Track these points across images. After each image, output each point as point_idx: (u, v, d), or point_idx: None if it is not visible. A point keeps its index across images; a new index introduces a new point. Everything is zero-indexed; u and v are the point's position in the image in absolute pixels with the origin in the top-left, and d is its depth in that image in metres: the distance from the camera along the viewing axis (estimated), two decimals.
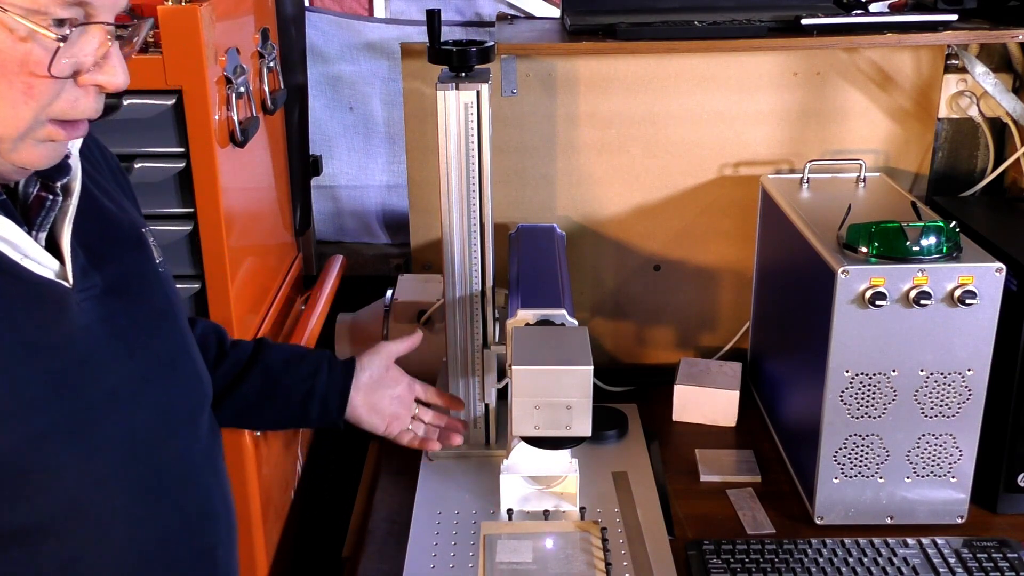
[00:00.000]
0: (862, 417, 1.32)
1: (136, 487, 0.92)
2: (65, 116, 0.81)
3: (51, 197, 0.87)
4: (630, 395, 1.73)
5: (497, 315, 1.49)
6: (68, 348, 0.86)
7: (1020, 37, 1.57)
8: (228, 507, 1.06)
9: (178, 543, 0.96)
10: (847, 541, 1.31)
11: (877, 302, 1.25)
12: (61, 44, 0.77)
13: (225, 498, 1.06)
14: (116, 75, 0.82)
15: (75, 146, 0.92)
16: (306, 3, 1.85)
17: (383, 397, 1.33)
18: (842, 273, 1.25)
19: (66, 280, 0.86)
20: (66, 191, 0.89)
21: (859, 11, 1.69)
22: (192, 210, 1.27)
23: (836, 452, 1.34)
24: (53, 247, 0.88)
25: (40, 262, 0.85)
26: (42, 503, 0.84)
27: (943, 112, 1.77)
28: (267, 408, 1.25)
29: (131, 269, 0.96)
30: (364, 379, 1.30)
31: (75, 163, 0.91)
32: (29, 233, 0.85)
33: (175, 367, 0.99)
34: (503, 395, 1.40)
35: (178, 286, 1.30)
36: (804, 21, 1.58)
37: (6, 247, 0.83)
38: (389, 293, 1.75)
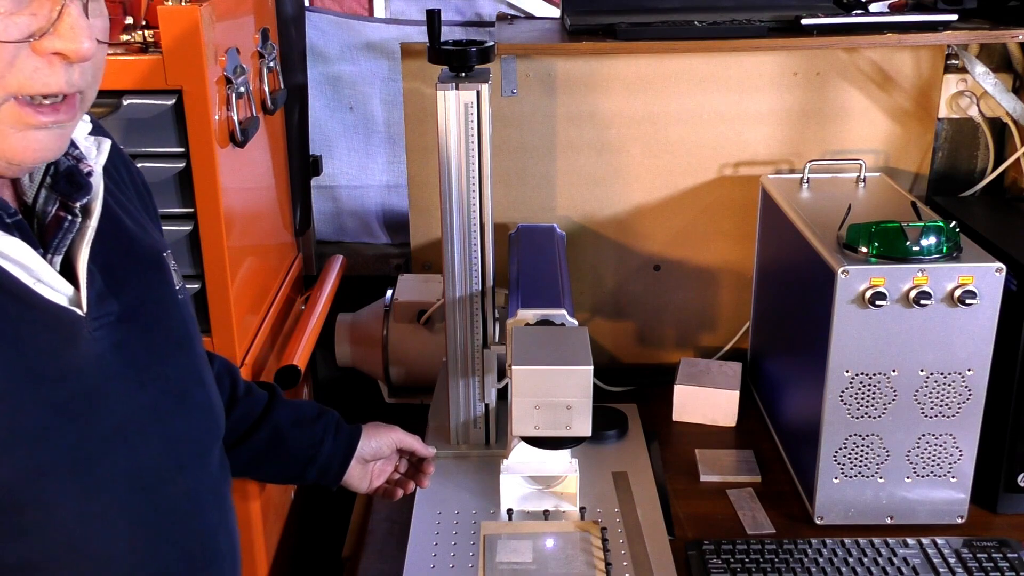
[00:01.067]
0: (862, 417, 1.32)
1: (139, 526, 0.88)
2: (26, 90, 0.74)
3: (69, 218, 0.83)
4: (630, 395, 1.73)
5: (497, 315, 1.49)
6: (75, 378, 0.82)
7: (1020, 37, 1.57)
8: (233, 546, 1.02)
9: None
10: (847, 541, 1.31)
11: (877, 302, 1.25)
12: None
13: (231, 536, 1.02)
14: (77, 40, 0.73)
15: (99, 164, 0.88)
16: (306, 3, 1.85)
17: (376, 465, 1.34)
18: (842, 273, 1.25)
19: (79, 307, 0.83)
20: (86, 211, 0.85)
21: (859, 11, 1.69)
22: (192, 210, 1.27)
23: (836, 452, 1.34)
24: (68, 270, 0.83)
25: (53, 287, 0.81)
26: (39, 540, 0.81)
27: (943, 112, 1.77)
28: (268, 466, 1.24)
29: (148, 294, 0.92)
30: (366, 452, 1.30)
31: (96, 182, 0.87)
32: (44, 256, 0.81)
33: (187, 399, 0.95)
34: (503, 395, 1.40)
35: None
36: (804, 21, 1.58)
37: (18, 270, 0.78)
38: (389, 293, 1.75)
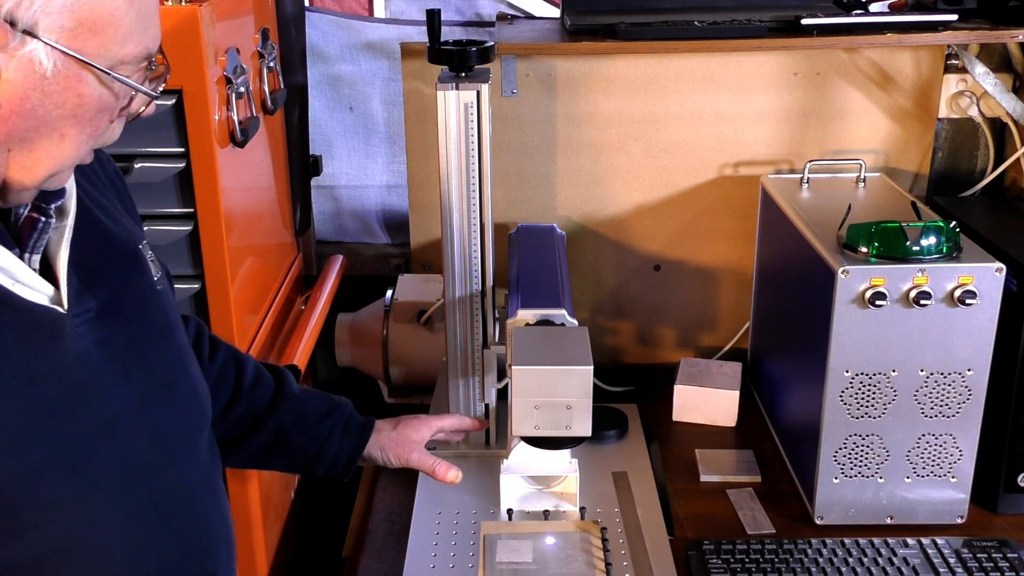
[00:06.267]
0: (862, 417, 1.32)
1: (134, 518, 0.88)
2: (102, 145, 0.84)
3: (43, 219, 0.84)
4: (630, 395, 1.73)
5: (497, 315, 1.49)
6: (63, 377, 0.82)
7: (1020, 37, 1.57)
8: (228, 530, 1.03)
9: (178, 572, 0.93)
10: (847, 541, 1.31)
11: (877, 302, 1.25)
12: (153, 94, 0.82)
13: (224, 521, 1.02)
14: (150, 105, 0.86)
15: None
16: (306, 3, 1.85)
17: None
18: (842, 273, 1.25)
19: (60, 305, 0.83)
20: (61, 212, 0.86)
21: (859, 11, 1.69)
22: (192, 210, 1.27)
23: (836, 452, 1.34)
24: (46, 270, 0.84)
25: (32, 287, 0.81)
26: (37, 539, 0.81)
27: (943, 112, 1.77)
28: (273, 461, 1.24)
29: (126, 288, 0.93)
30: (374, 456, 1.27)
31: (70, 183, 0.87)
32: (20, 256, 0.81)
33: (172, 388, 0.95)
34: (503, 395, 1.40)
35: (178, 286, 1.30)
36: (804, 21, 1.58)
37: None
38: (389, 293, 1.75)
